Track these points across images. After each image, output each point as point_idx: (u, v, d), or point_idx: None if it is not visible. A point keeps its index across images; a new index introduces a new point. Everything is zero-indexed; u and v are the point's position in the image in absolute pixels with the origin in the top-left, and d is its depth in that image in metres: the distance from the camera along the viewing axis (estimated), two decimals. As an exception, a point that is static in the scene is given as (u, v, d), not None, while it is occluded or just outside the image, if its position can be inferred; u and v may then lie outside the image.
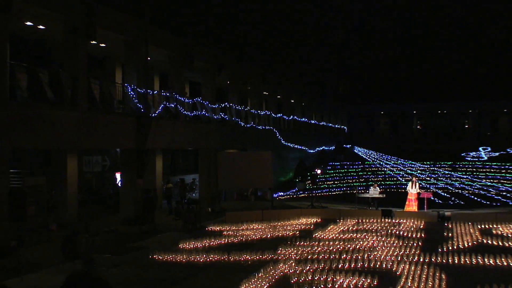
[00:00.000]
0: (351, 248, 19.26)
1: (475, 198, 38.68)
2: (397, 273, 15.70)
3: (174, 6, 24.70)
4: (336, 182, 44.61)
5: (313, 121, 56.99)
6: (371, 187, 33.13)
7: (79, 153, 27.23)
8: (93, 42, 25.14)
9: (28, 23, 23.25)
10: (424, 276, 15.22)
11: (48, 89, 20.62)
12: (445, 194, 39.38)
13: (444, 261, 17.50)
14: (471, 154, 53.44)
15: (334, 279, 14.75)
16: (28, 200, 20.05)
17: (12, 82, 19.25)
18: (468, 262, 17.44)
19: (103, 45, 27.30)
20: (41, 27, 24.01)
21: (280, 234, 22.99)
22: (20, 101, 19.46)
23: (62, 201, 24.93)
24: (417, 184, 31.26)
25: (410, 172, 44.83)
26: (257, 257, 17.80)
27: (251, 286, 14.24)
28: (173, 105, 28.89)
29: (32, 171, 28.34)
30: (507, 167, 46.21)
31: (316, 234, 22.58)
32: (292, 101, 53.01)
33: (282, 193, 38.77)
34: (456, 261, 17.49)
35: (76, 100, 22.15)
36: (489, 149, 54.47)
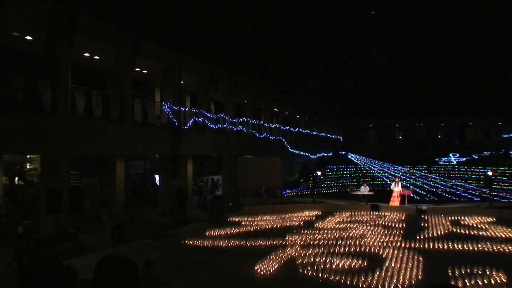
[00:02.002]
0: (345, 236, 19.24)
1: (447, 195, 38.38)
2: (383, 256, 15.64)
3: (201, 37, 24.80)
4: (333, 182, 44.47)
5: (314, 133, 56.95)
6: (362, 186, 33.01)
7: (125, 158, 27.37)
8: (137, 69, 25.34)
9: (86, 54, 23.46)
10: (405, 258, 15.17)
11: (100, 107, 20.80)
12: (422, 192, 39.09)
13: (421, 246, 17.42)
14: (443, 159, 53.11)
15: (332, 261, 14.71)
16: (84, 196, 20.16)
17: (72, 101, 19.43)
18: (441, 247, 17.36)
19: (145, 71, 27.49)
20: (96, 57, 24.22)
21: (287, 224, 22.98)
22: (78, 117, 19.62)
23: (112, 197, 25.06)
24: (399, 183, 31.11)
25: (393, 174, 44.55)
26: (269, 243, 17.80)
27: (264, 266, 14.23)
28: (201, 120, 29.00)
29: (88, 173, 28.51)
30: (472, 169, 45.92)
31: (317, 224, 22.56)
32: (298, 116, 53.03)
33: (289, 191, 38.69)
34: (431, 246, 17.42)
35: (123, 116, 22.32)
36: (458, 155, 54.09)
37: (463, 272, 13.40)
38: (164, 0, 20.24)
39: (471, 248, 17.08)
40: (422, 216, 25.44)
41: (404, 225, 22.34)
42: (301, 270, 13.91)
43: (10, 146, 16.88)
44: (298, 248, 16.78)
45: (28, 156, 29.24)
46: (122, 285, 2.67)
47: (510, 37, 27.07)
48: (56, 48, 18.65)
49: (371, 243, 17.81)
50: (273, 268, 14.15)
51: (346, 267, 14.17)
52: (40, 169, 21.47)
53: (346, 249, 16.57)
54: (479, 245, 17.36)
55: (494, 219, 24.03)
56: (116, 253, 2.87)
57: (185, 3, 20.86)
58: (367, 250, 16.63)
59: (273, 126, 42.08)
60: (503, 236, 19.53)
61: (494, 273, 13.14)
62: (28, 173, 29.92)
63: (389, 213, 26.31)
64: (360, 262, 14.64)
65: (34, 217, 20.03)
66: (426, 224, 22.68)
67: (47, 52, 18.89)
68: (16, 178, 28.33)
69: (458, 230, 21.04)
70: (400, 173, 45.19)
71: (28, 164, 30.15)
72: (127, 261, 2.76)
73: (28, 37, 20.03)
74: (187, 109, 28.93)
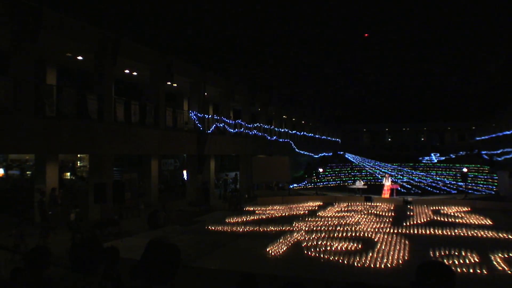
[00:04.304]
0: (343, 223, 19.19)
1: (429, 188, 38.15)
2: (375, 240, 15.58)
3: (222, 57, 24.93)
4: (333, 177, 44.34)
5: (317, 136, 56.77)
6: (357, 181, 32.89)
7: (159, 157, 27.51)
8: (169, 83, 25.46)
9: (126, 71, 23.64)
10: (393, 242, 15.10)
11: (137, 115, 20.94)
12: (408, 186, 38.88)
13: (407, 232, 17.32)
14: (426, 158, 52.75)
15: (332, 244, 14.69)
16: (125, 188, 20.28)
17: (114, 110, 19.59)
18: (424, 232, 17.25)
19: (175, 85, 27.62)
20: (134, 73, 24.39)
21: (294, 213, 22.95)
22: (120, 123, 19.76)
23: (148, 189, 25.19)
24: (389, 179, 30.97)
25: (384, 170, 44.30)
26: (279, 228, 17.81)
27: (275, 248, 14.25)
28: (222, 125, 29.08)
29: (128, 169, 28.72)
30: (450, 167, 45.56)
31: (319, 213, 22.51)
32: (303, 122, 52.92)
33: (296, 185, 38.64)
34: (415, 232, 17.31)
35: (157, 122, 22.45)
36: (438, 154, 53.71)
37: (443, 254, 13.35)
38: (191, 27, 20.42)
39: (449, 233, 16.97)
40: (408, 206, 25.28)
41: (392, 214, 22.22)
42: (305, 252, 13.91)
43: (65, 147, 17.07)
44: (303, 233, 16.77)
45: (78, 155, 29.56)
46: (166, 263, 2.76)
47: (480, 60, 27.04)
48: (102, 66, 18.87)
49: (364, 229, 17.75)
50: (282, 250, 14.16)
51: (343, 249, 14.15)
52: (89, 166, 21.68)
53: (344, 234, 16.53)
54: (456, 231, 17.24)
55: (469, 209, 23.82)
56: (163, 238, 2.96)
57: (206, 29, 21.05)
58: (361, 235, 16.57)
59: (282, 130, 42.02)
60: (476, 223, 19.38)
61: (468, 254, 13.07)
62: (79, 169, 30.23)
63: (380, 204, 26.17)
64: (355, 245, 14.61)
65: (84, 206, 20.22)
66: (411, 213, 22.53)
67: (95, 69, 19.13)
68: (69, 174, 28.64)
69: (438, 218, 20.89)
70: (390, 170, 44.93)
71: (78, 162, 30.46)
72: (172, 246, 2.85)
73: (79, 57, 20.25)
74: (210, 116, 29.02)
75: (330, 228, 17.72)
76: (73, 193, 23.53)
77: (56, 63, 21.10)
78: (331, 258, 12.95)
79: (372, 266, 12.15)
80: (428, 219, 20.75)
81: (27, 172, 26.74)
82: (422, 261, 2.77)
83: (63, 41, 17.58)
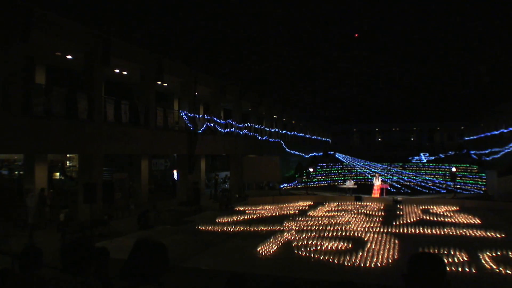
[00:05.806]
0: (333, 222, 19.24)
1: (418, 188, 38.37)
2: (365, 239, 15.63)
3: (214, 56, 24.84)
4: (323, 177, 44.41)
5: (307, 136, 56.86)
6: (347, 181, 33.00)
7: (149, 157, 27.40)
8: (159, 82, 25.36)
9: (116, 71, 23.52)
10: (383, 241, 15.17)
11: (127, 114, 20.86)
12: (398, 185, 39.07)
13: (397, 231, 17.40)
14: (415, 158, 52.99)
15: (322, 243, 14.72)
16: (115, 188, 20.20)
17: (104, 109, 19.49)
18: (413, 231, 17.35)
19: (165, 84, 27.55)
20: (124, 73, 24.27)
21: (285, 212, 22.97)
22: (110, 122, 19.67)
23: (138, 189, 25.09)
24: (379, 178, 31.09)
25: (373, 170, 44.46)
26: (269, 228, 17.81)
27: (265, 248, 14.25)
28: (212, 125, 29.03)
29: (118, 169, 28.58)
30: (439, 166, 45.84)
31: (310, 213, 22.54)
32: (293, 121, 52.99)
33: (286, 184, 38.63)
34: (405, 231, 17.40)
35: (147, 121, 22.37)
36: (427, 154, 53.96)
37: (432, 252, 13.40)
38: (183, 26, 20.34)
39: (438, 232, 17.08)
40: (398, 206, 25.41)
41: (382, 213, 22.32)
42: (296, 251, 13.92)
43: (54, 147, 16.95)
44: (294, 233, 16.78)
45: (68, 155, 29.36)
46: (152, 263, 2.76)
47: (470, 60, 27.26)
48: (93, 65, 18.77)
49: (355, 228, 17.81)
50: (273, 249, 14.16)
51: (334, 248, 14.17)
52: (78, 166, 21.54)
53: (334, 234, 16.57)
54: (445, 230, 17.36)
55: (457, 208, 24.01)
56: (150, 237, 2.96)
57: (198, 30, 20.99)
58: (351, 234, 16.62)
59: (273, 130, 42.04)
60: (465, 222, 19.54)
61: (457, 253, 13.16)
62: (68, 169, 30.06)
63: (370, 203, 26.28)
64: (345, 244, 14.64)
65: (73, 206, 20.09)
66: (401, 212, 22.65)
67: (85, 69, 19.01)
68: (58, 174, 28.45)
69: (428, 217, 21.01)
70: (379, 170, 45.12)
71: (68, 162, 30.28)
72: (159, 244, 2.86)
73: (69, 56, 20.11)
74: (201, 116, 28.97)
75: (320, 228, 17.76)
76: (62, 193, 23.38)
77: (46, 62, 20.95)
78: (321, 258, 12.97)
79: (362, 265, 12.19)
80: (418, 218, 20.87)
81: (15, 172, 26.52)
82: (413, 253, 2.78)
83: (52, 40, 17.46)
